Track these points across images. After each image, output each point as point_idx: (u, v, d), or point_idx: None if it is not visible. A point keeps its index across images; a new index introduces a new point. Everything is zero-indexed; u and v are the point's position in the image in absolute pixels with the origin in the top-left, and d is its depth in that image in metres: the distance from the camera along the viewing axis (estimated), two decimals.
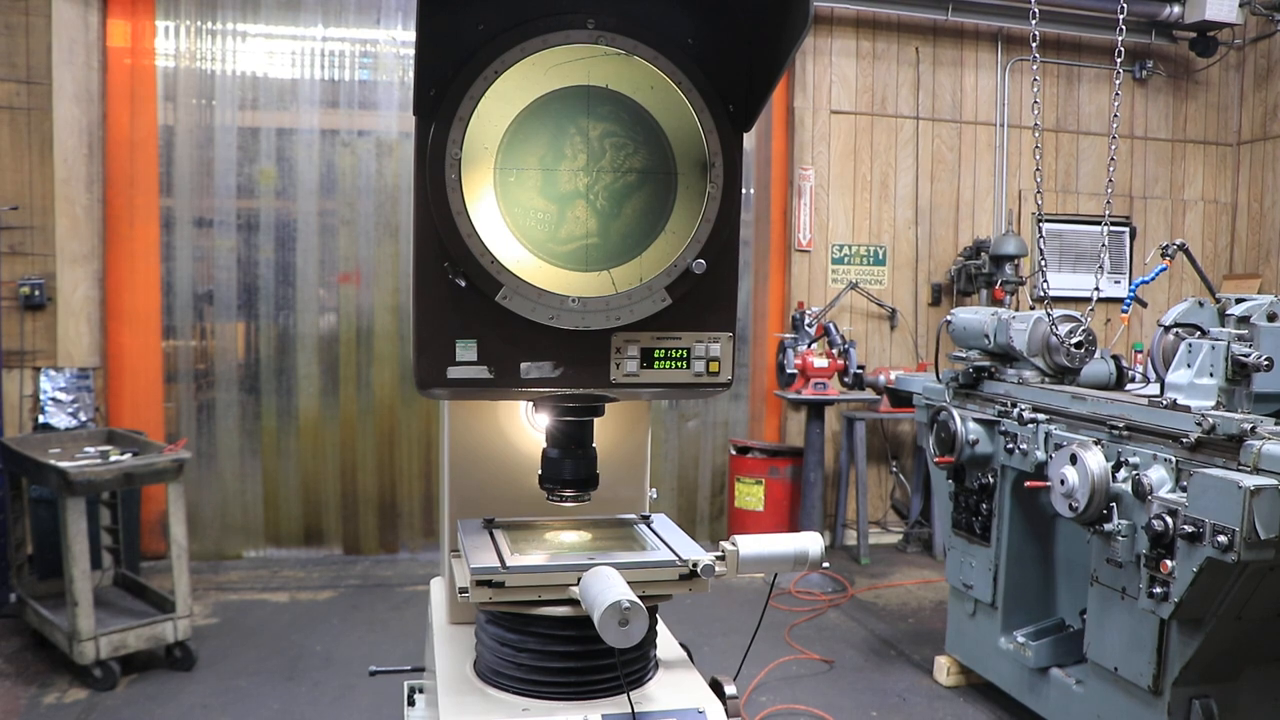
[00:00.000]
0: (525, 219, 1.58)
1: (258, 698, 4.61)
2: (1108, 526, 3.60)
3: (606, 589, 1.43)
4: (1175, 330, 4.16)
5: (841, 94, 7.52)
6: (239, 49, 6.83)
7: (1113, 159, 4.22)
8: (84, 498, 4.67)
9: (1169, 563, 3.33)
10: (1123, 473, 3.62)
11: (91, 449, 5.09)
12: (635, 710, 1.54)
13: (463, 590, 1.59)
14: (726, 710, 1.65)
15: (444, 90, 1.54)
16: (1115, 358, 4.82)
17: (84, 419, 6.20)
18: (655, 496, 2.09)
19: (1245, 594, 3.32)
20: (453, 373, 1.61)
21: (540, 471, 1.76)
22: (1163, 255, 4.27)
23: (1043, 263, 4.36)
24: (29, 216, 6.11)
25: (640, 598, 1.49)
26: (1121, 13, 4.26)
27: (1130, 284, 8.04)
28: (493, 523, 1.81)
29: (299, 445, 7.00)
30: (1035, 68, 4.12)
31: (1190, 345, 3.80)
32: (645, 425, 2.02)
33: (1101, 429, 3.80)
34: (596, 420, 1.83)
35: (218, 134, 6.81)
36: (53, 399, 6.19)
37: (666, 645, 1.88)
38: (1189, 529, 3.21)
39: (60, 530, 4.64)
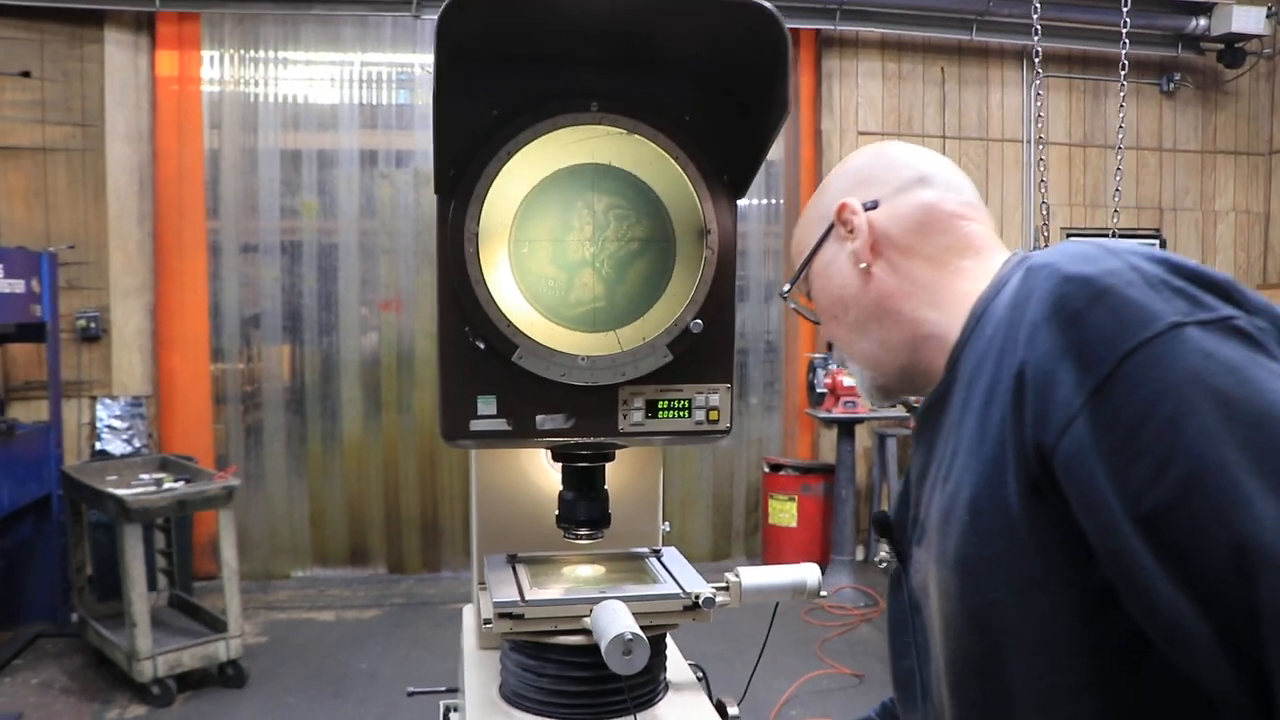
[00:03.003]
0: (537, 286, 1.74)
1: (306, 714, 4.81)
2: None
3: (612, 622, 1.58)
4: None
5: (868, 115, 7.64)
6: (280, 75, 7.08)
7: (1119, 169, 4.36)
8: (140, 524, 4.90)
9: None
10: None
11: (146, 476, 5.32)
12: None
13: (487, 621, 1.75)
14: None
15: (462, 170, 1.70)
16: None
17: (138, 445, 6.45)
18: (669, 529, 2.23)
19: None
20: (475, 425, 1.77)
21: (557, 512, 1.92)
22: None
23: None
24: (85, 253, 6.39)
25: (647, 627, 1.64)
26: (1125, 26, 4.39)
27: None
28: (515, 558, 1.97)
29: (344, 467, 7.21)
30: (1038, 83, 4.25)
31: None
32: (657, 466, 2.17)
33: None
34: (614, 463, 1.99)
35: (261, 158, 7.05)
36: (108, 426, 6.45)
37: (678, 669, 2.02)
38: None
39: (118, 554, 4.87)
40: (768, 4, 1.55)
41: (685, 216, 1.78)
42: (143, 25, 6.65)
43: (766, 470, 7.29)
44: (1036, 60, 4.24)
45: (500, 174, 1.71)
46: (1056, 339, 0.94)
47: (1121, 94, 4.60)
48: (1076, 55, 8.00)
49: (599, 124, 1.74)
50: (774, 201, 7.87)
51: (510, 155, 1.71)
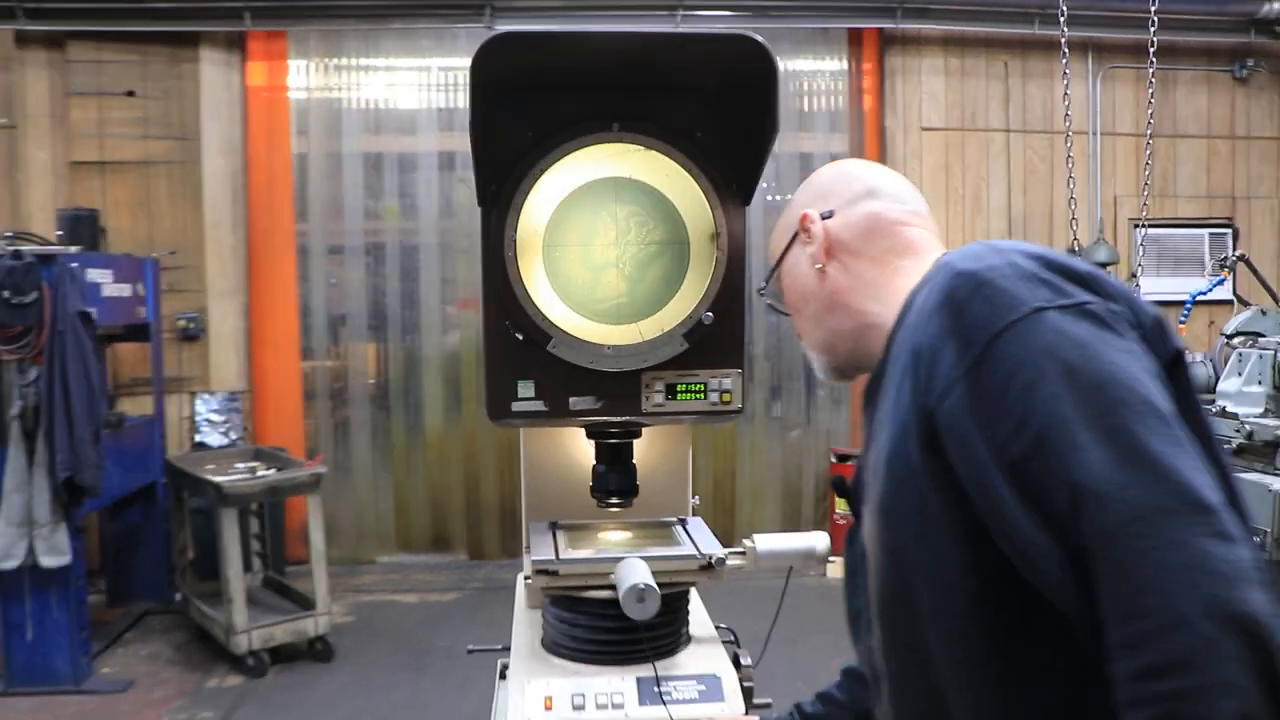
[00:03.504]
0: (568, 285, 2.00)
1: (389, 686, 5.15)
2: None
3: (630, 575, 1.83)
4: (1235, 338, 4.34)
5: (931, 111, 7.75)
6: (363, 81, 7.44)
7: (1148, 162, 4.42)
8: (236, 508, 5.29)
9: None
10: None
11: (241, 465, 5.72)
12: (659, 674, 1.93)
13: (527, 577, 2.01)
14: (740, 678, 2.03)
15: (501, 186, 1.96)
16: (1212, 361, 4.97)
17: (234, 438, 6.88)
18: (699, 502, 2.47)
19: None
20: (516, 406, 2.03)
21: (591, 483, 2.18)
22: (1221, 266, 4.45)
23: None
24: (184, 258, 6.85)
25: (666, 584, 1.89)
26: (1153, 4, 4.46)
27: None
28: (556, 524, 2.23)
29: (426, 458, 7.56)
30: (1065, 68, 4.37)
31: (1240, 354, 4.00)
32: (687, 444, 2.40)
33: None
34: (649, 442, 2.25)
35: (345, 162, 7.42)
36: (207, 420, 6.88)
37: (703, 628, 2.25)
38: None
39: (216, 537, 5.27)
40: (759, 38, 1.79)
41: (698, 222, 2.02)
42: (234, 44, 7.09)
43: (833, 460, 7.46)
44: (1063, 46, 4.35)
45: (535, 188, 1.97)
46: (943, 322, 1.17)
47: (1150, 86, 4.66)
48: (1143, 44, 7.99)
49: (620, 142, 1.99)
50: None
51: (543, 171, 1.97)
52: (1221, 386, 3.99)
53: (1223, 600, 0.97)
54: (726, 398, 2.08)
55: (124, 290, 5.84)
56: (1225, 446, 3.33)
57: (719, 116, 1.99)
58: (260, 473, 5.61)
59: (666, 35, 1.85)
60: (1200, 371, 4.83)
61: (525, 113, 1.95)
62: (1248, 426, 3.52)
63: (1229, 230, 8.26)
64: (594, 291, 2.01)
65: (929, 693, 1.25)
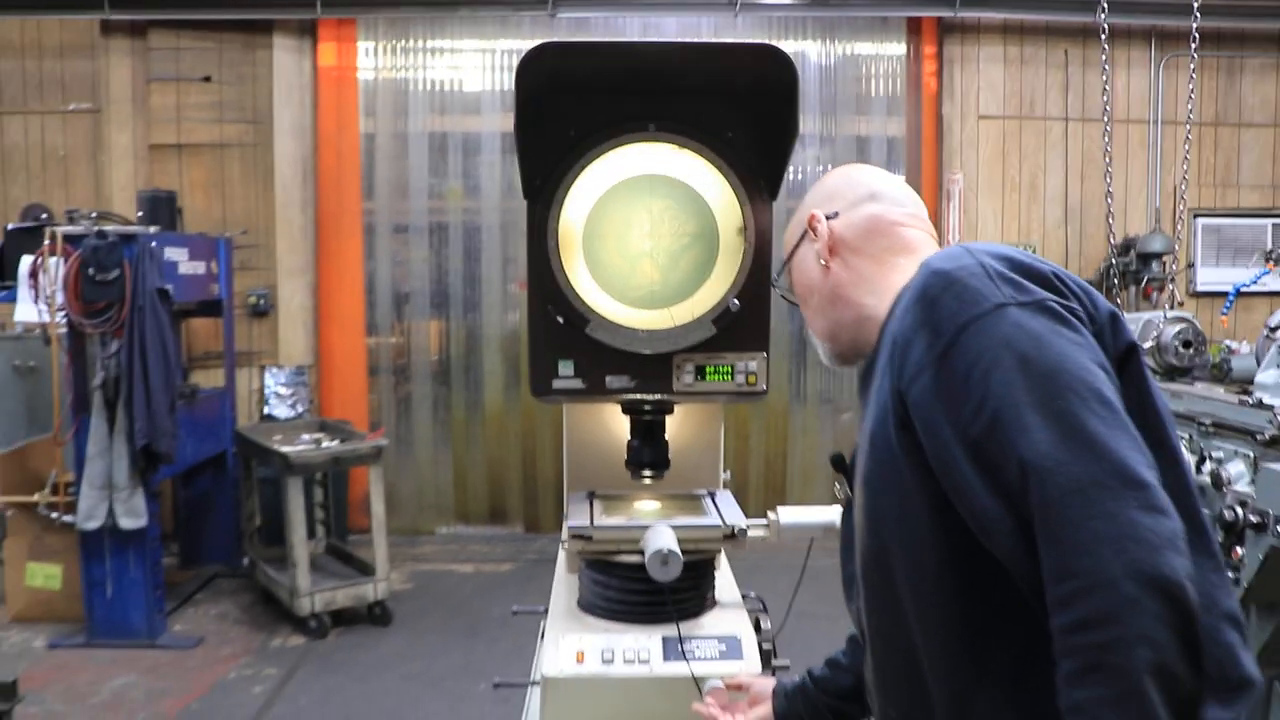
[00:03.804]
0: (605, 273, 2.16)
1: (444, 650, 5.38)
2: None
3: (656, 540, 1.99)
4: (1278, 330, 4.37)
5: (989, 99, 7.77)
6: (429, 63, 7.64)
7: (1187, 152, 4.41)
8: (301, 477, 5.54)
9: (1239, 550, 3.63)
10: (1207, 466, 3.90)
11: (307, 436, 5.98)
12: (683, 633, 2.10)
13: (564, 542, 2.19)
14: (760, 639, 2.19)
15: (545, 181, 2.12)
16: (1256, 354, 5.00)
17: (301, 410, 7.16)
18: (730, 477, 2.63)
19: None
20: (556, 384, 2.20)
21: (626, 457, 2.34)
22: (1267, 259, 4.47)
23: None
24: (255, 237, 7.13)
25: (691, 551, 2.06)
26: None
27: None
28: (594, 494, 2.40)
29: (485, 434, 7.78)
30: (1105, 58, 4.40)
31: (1279, 346, 4.04)
32: (719, 422, 2.56)
33: (1192, 425, 4.08)
34: (683, 421, 2.42)
35: (411, 143, 7.63)
36: (275, 393, 7.17)
37: (729, 594, 2.41)
38: (1255, 519, 3.50)
39: (282, 504, 5.53)
40: (780, 47, 1.93)
41: (727, 216, 2.17)
42: (305, 31, 7.34)
43: None
44: (1102, 36, 4.36)
45: (576, 183, 2.13)
46: (918, 315, 1.31)
47: (1192, 66, 4.66)
48: (1209, 32, 7.91)
49: (656, 141, 2.14)
50: None
51: (584, 168, 2.14)
52: (1259, 378, 4.02)
53: (1146, 564, 1.11)
54: (752, 379, 2.23)
55: (199, 268, 6.11)
56: (1258, 438, 3.41)
57: (748, 119, 2.13)
58: (325, 444, 5.87)
59: (698, 45, 1.99)
60: (1242, 365, 4.86)
61: (568, 114, 2.11)
62: (1279, 418, 3.57)
63: None
64: (630, 279, 2.17)
65: (905, 646, 1.40)
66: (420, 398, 7.77)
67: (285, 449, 5.56)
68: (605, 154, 2.13)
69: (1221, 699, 1.29)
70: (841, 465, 1.69)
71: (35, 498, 5.49)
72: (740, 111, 2.13)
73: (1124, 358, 1.33)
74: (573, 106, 2.11)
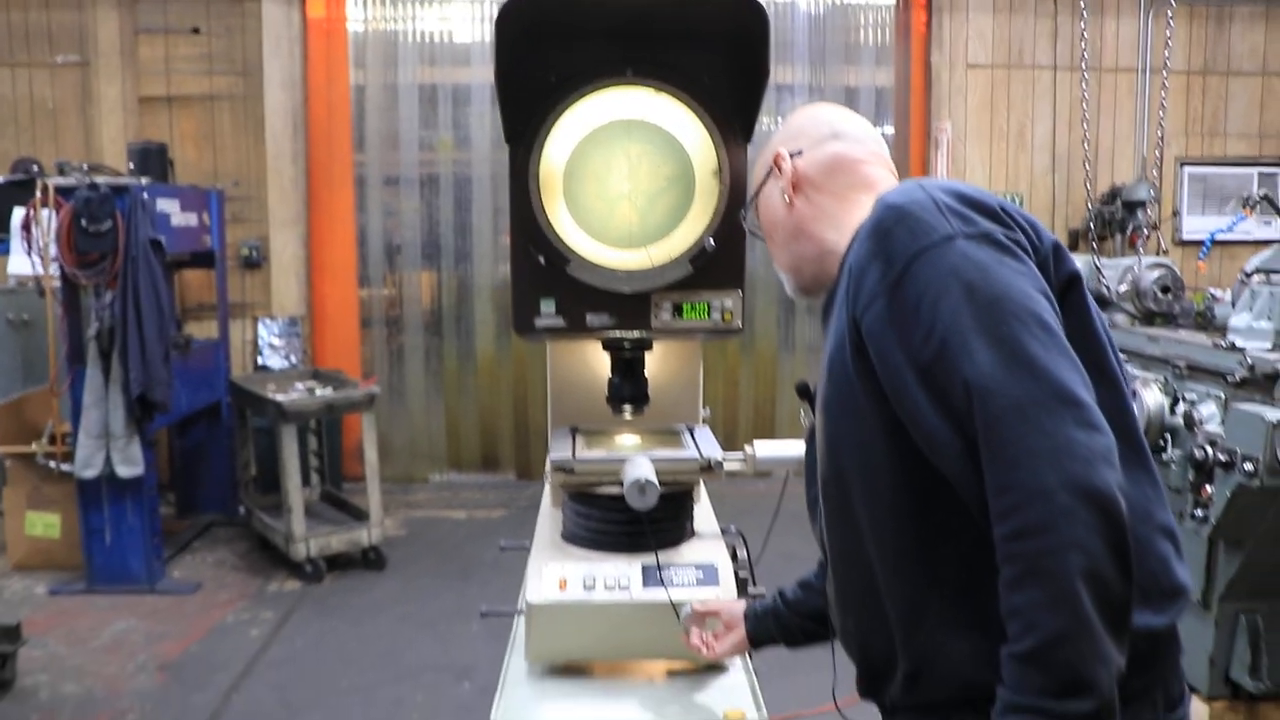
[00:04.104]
0: (585, 214, 2.22)
1: (436, 593, 5.50)
2: (1164, 456, 4.01)
3: (635, 470, 2.08)
4: (1254, 276, 4.45)
5: (978, 48, 7.78)
6: (418, 13, 7.61)
7: (1164, 89, 4.44)
8: (295, 425, 5.62)
9: (1208, 488, 3.73)
10: (1180, 407, 4.00)
11: (300, 385, 6.06)
12: (661, 562, 2.19)
13: (547, 474, 2.27)
14: (736, 568, 2.28)
15: (526, 124, 2.18)
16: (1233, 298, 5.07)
17: (294, 361, 7.24)
18: (709, 414, 2.71)
19: None
20: (539, 322, 2.27)
21: (607, 393, 2.42)
22: (1243, 205, 4.54)
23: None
24: (247, 189, 7.17)
25: (669, 483, 2.15)
26: None
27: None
28: (576, 429, 2.48)
29: (477, 383, 7.87)
30: (1084, 5, 4.44)
31: (1253, 290, 4.12)
32: (697, 360, 2.63)
33: (1167, 368, 4.18)
34: (663, 359, 2.50)
35: (401, 94, 7.63)
36: (269, 344, 7.24)
37: (708, 525, 2.50)
38: (1224, 458, 3.60)
39: (277, 452, 5.62)
40: None
41: (703, 158, 2.23)
42: None
43: None
44: None
45: (556, 127, 2.20)
46: (872, 247, 1.38)
47: (1170, 15, 4.70)
48: None
49: (634, 86, 2.20)
50: (885, 131, 8.09)
51: (564, 112, 2.19)
52: (1232, 322, 4.10)
53: (1080, 477, 1.20)
54: (728, 316, 2.30)
55: (191, 220, 6.15)
56: (1229, 379, 3.49)
57: (722, 64, 2.19)
58: (318, 392, 5.95)
59: None
60: (1225, 313, 4.94)
61: (548, 60, 2.17)
62: (1250, 360, 3.66)
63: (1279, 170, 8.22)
64: (609, 220, 2.24)
65: (861, 558, 1.49)
66: (412, 348, 7.85)
67: (279, 397, 5.64)
68: (584, 99, 2.19)
69: (1155, 606, 1.39)
70: (806, 393, 1.76)
71: (33, 447, 5.58)
72: (715, 57, 2.18)
73: (1066, 286, 1.40)
74: (552, 53, 2.16)
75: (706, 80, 2.20)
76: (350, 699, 4.38)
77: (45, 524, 5.78)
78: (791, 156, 1.67)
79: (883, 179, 1.65)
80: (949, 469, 1.32)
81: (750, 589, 2.42)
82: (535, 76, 2.17)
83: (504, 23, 2.01)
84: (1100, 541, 1.19)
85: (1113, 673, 1.20)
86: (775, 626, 2.01)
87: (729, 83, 2.19)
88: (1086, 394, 1.25)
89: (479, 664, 4.67)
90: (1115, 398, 1.38)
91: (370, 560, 5.85)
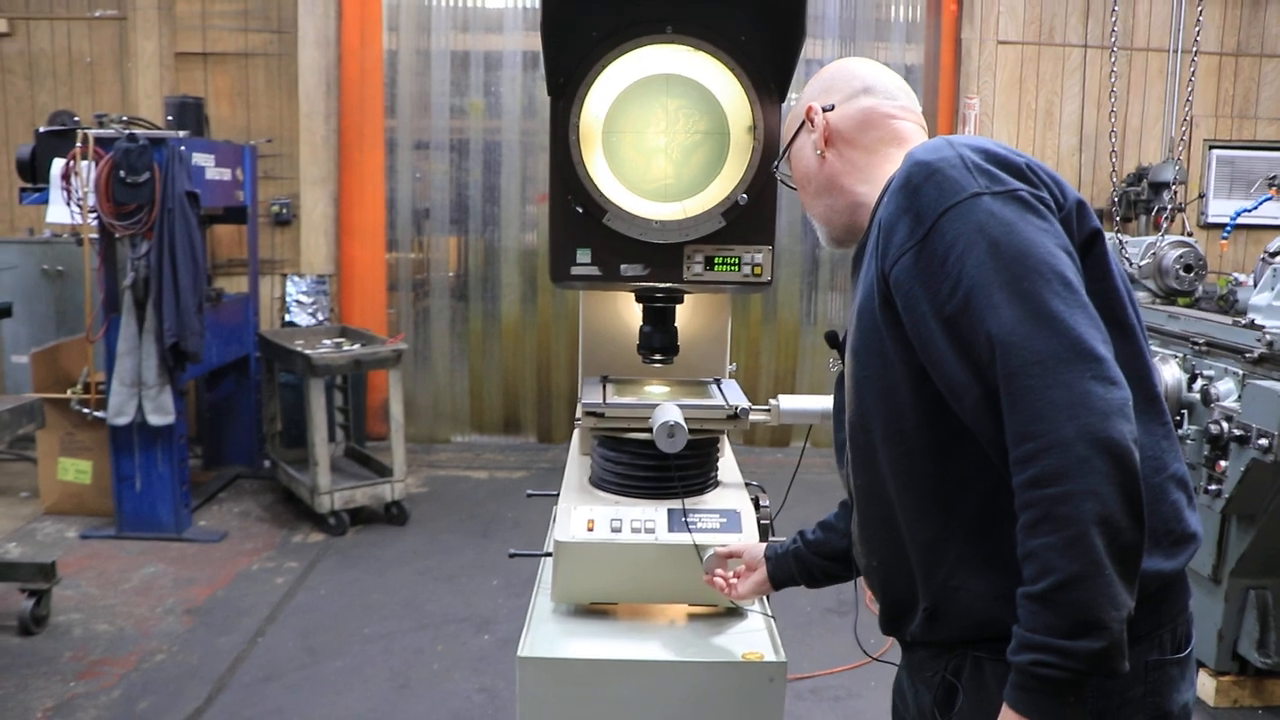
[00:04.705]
0: (623, 167, 2.29)
1: (457, 549, 5.61)
2: (1180, 431, 4.06)
3: (664, 414, 2.15)
4: (1277, 256, 4.47)
5: (1009, 24, 7.76)
6: None
7: (1192, 80, 4.46)
8: (323, 379, 5.72)
9: (1222, 463, 3.79)
10: (1198, 384, 4.05)
11: (328, 341, 6.16)
12: (687, 507, 2.27)
13: (577, 419, 2.35)
14: (759, 516, 2.36)
15: (568, 78, 2.25)
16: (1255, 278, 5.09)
17: (321, 319, 7.33)
18: (735, 369, 2.78)
19: None
20: (574, 270, 2.35)
21: (638, 342, 2.50)
22: (1269, 185, 4.55)
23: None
24: (279, 146, 7.24)
25: (696, 430, 2.22)
26: None
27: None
28: (606, 378, 2.56)
29: (501, 346, 7.94)
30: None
31: (1275, 270, 4.15)
32: (726, 314, 2.71)
33: (1186, 344, 4.22)
34: (692, 313, 2.57)
35: (433, 59, 7.64)
36: (296, 301, 7.33)
37: (732, 476, 2.57)
38: (1239, 433, 3.66)
39: (304, 405, 5.72)
40: None
41: (738, 115, 2.30)
42: None
43: None
44: None
45: (597, 81, 2.26)
46: (901, 202, 1.45)
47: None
48: None
49: (673, 43, 2.26)
50: None
51: (605, 67, 2.26)
52: (1253, 300, 4.13)
53: (1097, 428, 1.26)
54: (758, 270, 2.37)
55: (224, 175, 6.23)
56: (1247, 356, 3.53)
57: (759, 24, 2.25)
58: (345, 348, 6.04)
59: None
60: (1249, 297, 4.95)
61: (590, 16, 2.23)
62: (1269, 337, 3.70)
63: None
64: (645, 173, 2.31)
65: (884, 500, 1.56)
66: (438, 310, 7.92)
67: (307, 351, 5.73)
68: (625, 54, 2.25)
69: (1166, 551, 1.46)
70: (835, 341, 1.83)
71: (68, 394, 5.70)
72: (753, 17, 2.24)
73: (1089, 242, 1.46)
74: (595, 8, 2.23)
75: (744, 39, 2.26)
76: (372, 646, 4.49)
77: (77, 470, 5.91)
78: (824, 110, 1.72)
79: (913, 133, 1.71)
80: (969, 416, 1.39)
81: (771, 537, 2.49)
82: (578, 32, 2.24)
83: None
84: (1114, 489, 1.26)
85: (1123, 615, 1.27)
86: (796, 567, 2.08)
87: (766, 42, 2.25)
88: (1105, 349, 1.31)
89: (499, 617, 4.77)
90: (1133, 351, 1.45)
91: (393, 515, 5.96)
